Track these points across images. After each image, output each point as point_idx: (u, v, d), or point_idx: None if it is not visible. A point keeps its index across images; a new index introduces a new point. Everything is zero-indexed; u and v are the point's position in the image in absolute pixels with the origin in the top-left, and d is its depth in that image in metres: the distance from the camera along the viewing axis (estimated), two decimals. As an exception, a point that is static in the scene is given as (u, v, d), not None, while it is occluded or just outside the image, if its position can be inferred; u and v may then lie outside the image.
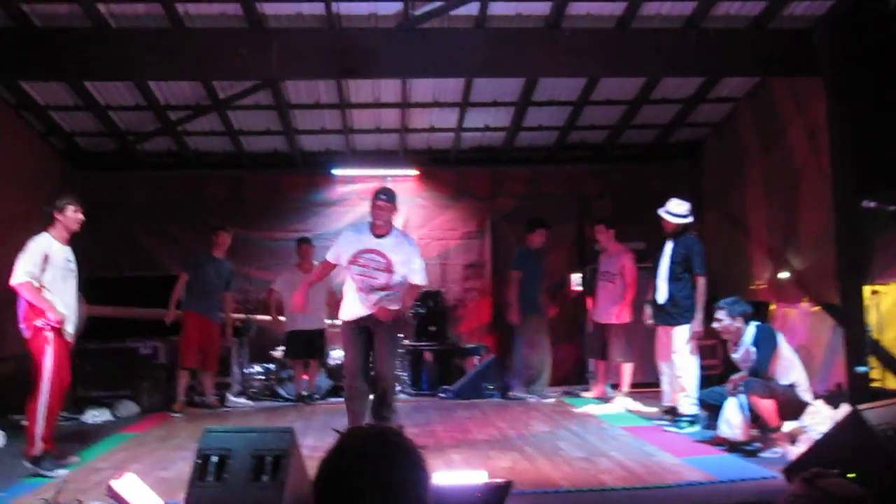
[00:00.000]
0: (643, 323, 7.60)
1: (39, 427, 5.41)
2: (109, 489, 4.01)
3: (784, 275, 8.47)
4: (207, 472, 3.84)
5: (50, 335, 5.46)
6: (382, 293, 5.73)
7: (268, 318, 9.16)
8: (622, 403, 7.80)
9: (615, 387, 8.46)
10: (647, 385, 8.44)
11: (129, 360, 8.08)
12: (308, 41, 7.07)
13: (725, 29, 7.35)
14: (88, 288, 7.88)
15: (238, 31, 7.06)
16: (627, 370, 8.21)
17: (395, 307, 5.81)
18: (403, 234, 6.12)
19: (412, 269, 5.77)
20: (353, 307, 5.83)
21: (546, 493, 4.60)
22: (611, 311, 8.33)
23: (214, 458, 3.86)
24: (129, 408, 8.03)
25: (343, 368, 6.37)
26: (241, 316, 9.33)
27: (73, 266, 5.74)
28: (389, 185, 6.45)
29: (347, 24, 7.14)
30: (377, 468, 1.42)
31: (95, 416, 7.85)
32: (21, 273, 5.44)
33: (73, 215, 5.71)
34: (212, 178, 10.27)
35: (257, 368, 9.34)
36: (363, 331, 5.85)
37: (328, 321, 8.75)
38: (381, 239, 5.73)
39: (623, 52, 7.34)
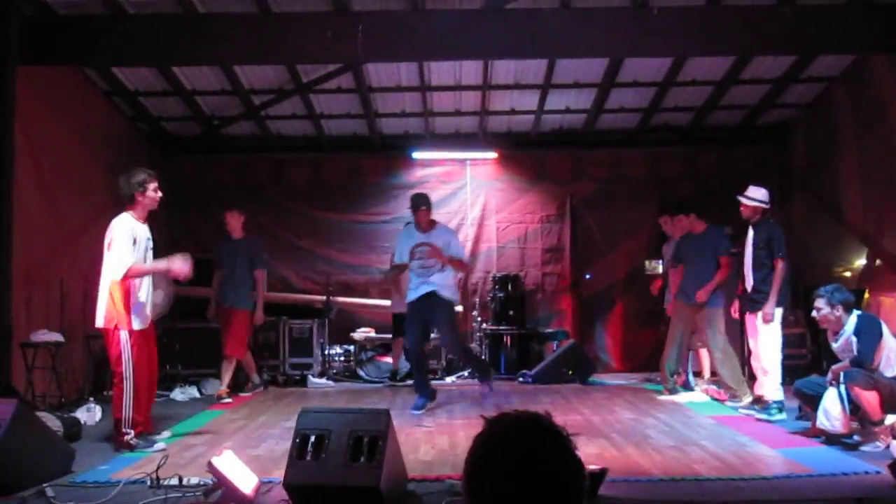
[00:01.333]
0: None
1: (126, 417, 5.41)
2: (210, 466, 4.11)
3: (879, 262, 8.13)
4: (306, 451, 3.89)
5: (125, 334, 5.40)
6: (436, 273, 6.97)
7: (381, 302, 9.21)
8: (706, 392, 7.64)
9: (697, 374, 8.31)
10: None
11: (215, 340, 8.25)
12: (393, 24, 7.05)
13: (822, 4, 7.04)
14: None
15: (324, 14, 7.10)
16: (706, 356, 8.05)
17: (447, 287, 7.06)
18: (442, 226, 7.60)
19: (452, 249, 7.09)
20: (414, 290, 7.04)
21: (639, 481, 4.51)
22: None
23: (313, 438, 3.90)
24: (215, 386, 8.21)
25: (406, 342, 7.49)
26: (322, 298, 9.46)
27: (152, 245, 5.69)
28: (420, 192, 7.81)
29: (432, 7, 7.12)
30: (534, 454, 1.36)
31: (183, 393, 8.10)
32: (122, 266, 5.34)
33: (153, 194, 5.61)
34: (293, 161, 10.40)
35: (337, 350, 9.46)
36: (422, 311, 6.94)
37: None
38: (426, 234, 7.13)
39: (713, 30, 7.09)
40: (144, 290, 5.59)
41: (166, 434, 5.92)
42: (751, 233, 6.73)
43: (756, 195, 6.72)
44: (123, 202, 5.64)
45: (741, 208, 6.77)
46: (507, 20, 6.98)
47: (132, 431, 5.46)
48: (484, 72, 8.59)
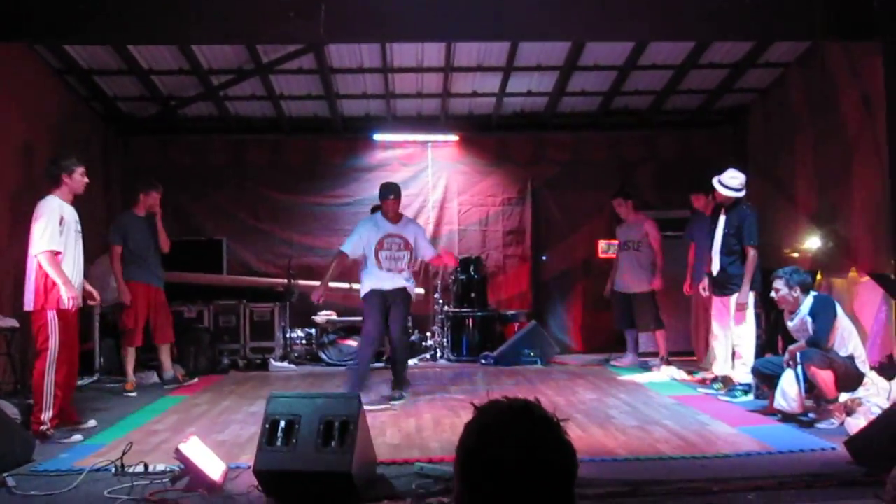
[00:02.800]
0: (687, 292, 7.69)
1: (46, 404, 5.31)
2: (178, 452, 4.06)
3: (831, 244, 8.33)
4: (276, 436, 3.86)
5: (53, 314, 5.37)
6: (405, 270, 6.87)
7: (342, 285, 9.14)
8: (667, 372, 7.79)
9: (651, 355, 8.60)
10: (679, 354, 8.49)
11: (174, 324, 8.11)
12: (356, 4, 6.95)
13: (779, -9, 7.14)
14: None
15: (286, -7, 6.97)
16: (661, 337, 8.27)
17: (412, 281, 7.05)
18: (409, 219, 7.46)
19: (420, 243, 7.03)
20: (383, 280, 6.80)
21: (604, 461, 4.59)
22: (636, 279, 8.36)
23: (283, 423, 3.88)
24: (174, 370, 8.10)
25: (363, 335, 7.05)
26: (283, 281, 9.39)
27: (79, 227, 5.71)
28: (391, 181, 7.46)
29: (395, -13, 7.03)
30: (528, 443, 1.37)
31: (142, 378, 7.95)
32: (44, 241, 5.35)
33: (80, 178, 5.68)
34: (252, 143, 10.26)
35: (299, 333, 9.41)
36: (386, 301, 6.75)
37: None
38: (396, 225, 6.95)
39: (674, 15, 7.11)
40: (69, 269, 5.51)
41: (78, 437, 5.47)
42: (723, 217, 6.78)
43: (732, 183, 6.68)
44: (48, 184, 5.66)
45: (715, 194, 6.82)
46: (470, 2, 6.94)
47: (48, 422, 5.31)
48: (446, 54, 8.55)
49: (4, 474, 4.29)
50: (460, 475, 1.41)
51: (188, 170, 10.01)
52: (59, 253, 5.42)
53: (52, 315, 5.38)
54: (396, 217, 7.00)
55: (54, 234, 5.39)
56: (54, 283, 5.37)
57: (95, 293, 6.05)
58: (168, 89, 9.25)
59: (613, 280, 8.76)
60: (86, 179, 5.73)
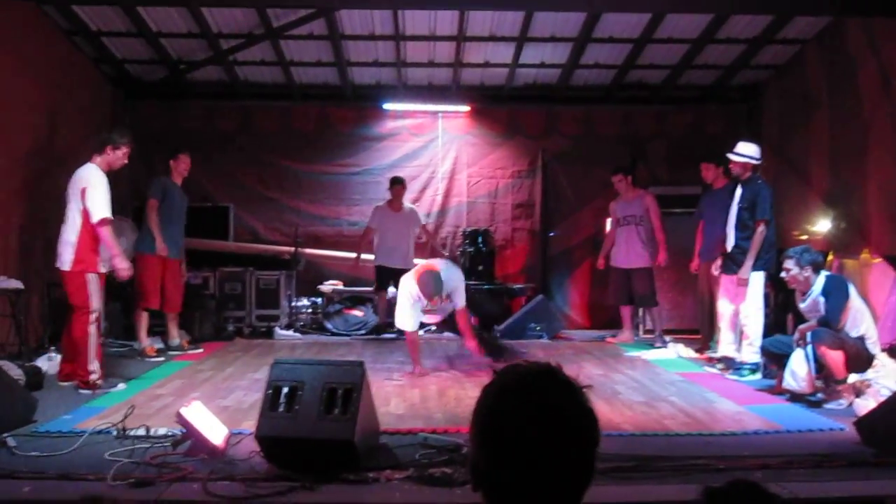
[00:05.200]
0: (693, 270, 7.66)
1: (92, 357, 5.68)
2: (179, 416, 4.03)
3: (844, 225, 8.23)
4: (279, 402, 3.82)
5: (94, 276, 5.71)
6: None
7: (350, 255, 9.14)
8: (674, 349, 7.74)
9: (651, 332, 8.65)
10: (684, 332, 8.43)
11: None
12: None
13: (801, -36, 7.00)
14: (140, 217, 7.94)
15: (297, -44, 6.86)
16: (657, 314, 8.23)
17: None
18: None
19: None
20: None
21: (610, 436, 4.53)
22: (637, 255, 8.28)
23: (286, 389, 3.84)
24: (181, 336, 8.08)
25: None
26: (290, 249, 9.34)
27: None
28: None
29: (408, -48, 6.91)
30: (549, 406, 1.31)
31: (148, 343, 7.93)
32: (105, 209, 5.66)
33: (121, 157, 5.93)
34: (261, 109, 10.16)
35: (305, 302, 9.38)
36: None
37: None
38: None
39: (694, -13, 7.03)
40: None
41: (122, 386, 5.91)
42: (738, 190, 6.66)
43: (746, 151, 6.58)
44: (90, 149, 5.92)
45: (730, 165, 6.69)
46: (485, -31, 6.83)
47: (98, 371, 5.70)
48: (459, 22, 8.41)
49: (5, 434, 4.27)
50: (477, 439, 1.36)
51: (196, 135, 9.90)
52: (112, 221, 5.76)
53: (93, 277, 5.71)
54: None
55: (109, 203, 5.72)
56: (95, 248, 5.72)
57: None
58: (177, 53, 9.16)
59: (608, 254, 8.65)
60: (125, 161, 5.99)
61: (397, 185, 8.97)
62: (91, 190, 5.65)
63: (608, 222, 9.93)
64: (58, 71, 8.20)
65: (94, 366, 5.69)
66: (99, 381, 5.70)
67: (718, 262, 6.89)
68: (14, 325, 6.78)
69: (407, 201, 9.48)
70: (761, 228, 6.44)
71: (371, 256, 8.99)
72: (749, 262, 6.40)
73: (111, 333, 8.24)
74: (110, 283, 8.27)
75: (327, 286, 9.27)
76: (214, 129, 10.07)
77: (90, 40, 8.67)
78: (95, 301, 5.72)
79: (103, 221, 5.66)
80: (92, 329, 5.69)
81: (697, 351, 7.68)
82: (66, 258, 5.69)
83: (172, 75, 9.53)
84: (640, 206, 8.37)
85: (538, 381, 1.35)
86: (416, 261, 8.90)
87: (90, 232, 5.66)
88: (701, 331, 7.94)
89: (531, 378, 1.36)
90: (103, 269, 5.84)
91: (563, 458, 1.30)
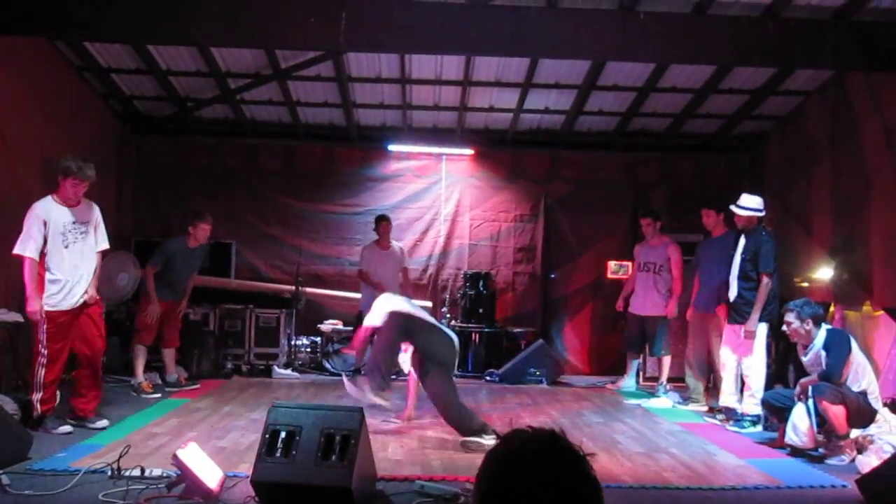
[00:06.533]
0: (689, 318, 7.67)
1: (37, 387, 5.53)
2: (175, 458, 4.00)
3: (846, 276, 8.22)
4: (276, 447, 3.79)
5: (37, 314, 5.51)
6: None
7: (351, 295, 9.17)
8: (671, 398, 7.68)
9: (653, 379, 8.55)
10: (679, 380, 8.34)
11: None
12: (377, 13, 6.92)
13: (805, 19, 7.07)
14: (143, 252, 7.96)
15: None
16: (667, 363, 8.15)
17: None
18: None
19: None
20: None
21: (609, 487, 4.49)
22: (652, 303, 8.24)
23: (283, 434, 3.81)
24: (179, 372, 8.04)
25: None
26: (291, 288, 9.34)
27: (82, 228, 5.70)
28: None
29: (418, -2, 7.00)
30: (552, 474, 1.30)
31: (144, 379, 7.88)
32: (19, 244, 5.45)
33: (69, 186, 5.59)
34: (266, 148, 10.22)
35: (304, 341, 9.34)
36: None
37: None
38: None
39: (698, 39, 7.07)
40: (62, 271, 5.58)
41: (103, 423, 5.80)
42: (742, 241, 6.67)
43: (750, 203, 6.64)
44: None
45: (735, 218, 6.73)
46: (492, 16, 6.88)
47: (40, 407, 5.52)
48: (465, 67, 8.51)
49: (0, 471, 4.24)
50: (478, 502, 1.34)
51: (200, 171, 9.99)
52: (30, 259, 5.45)
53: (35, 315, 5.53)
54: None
55: (31, 239, 5.46)
56: (37, 287, 5.49)
57: (94, 295, 5.88)
58: (185, 90, 9.25)
59: (626, 297, 8.62)
60: (76, 189, 5.61)
61: (384, 221, 8.94)
62: (25, 223, 5.53)
63: (610, 266, 9.97)
64: (67, 105, 8.29)
65: (36, 396, 5.55)
66: (40, 413, 5.54)
67: (691, 309, 7.01)
68: (12, 359, 6.74)
69: (405, 242, 9.48)
70: (766, 281, 6.44)
71: (359, 295, 8.97)
72: (755, 315, 6.40)
73: (110, 369, 8.20)
74: (108, 318, 8.36)
75: (327, 325, 9.24)
76: (220, 165, 10.11)
77: (99, 76, 8.76)
78: (40, 339, 5.52)
79: (17, 256, 5.48)
80: (34, 368, 5.55)
81: (687, 400, 7.60)
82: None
83: (180, 112, 9.62)
84: (663, 254, 8.26)
85: (542, 447, 1.34)
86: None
87: (28, 266, 5.47)
88: (687, 381, 7.75)
89: (535, 445, 1.35)
90: (50, 307, 5.53)
91: None
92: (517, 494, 1.29)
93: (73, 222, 5.65)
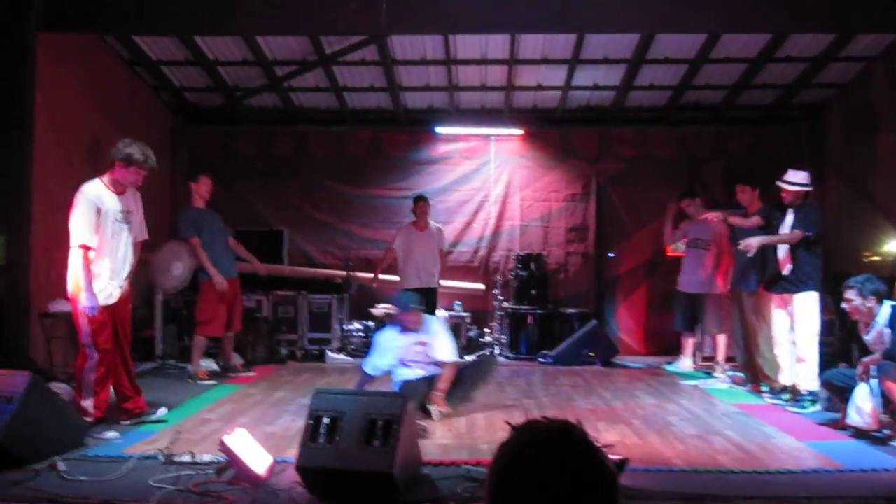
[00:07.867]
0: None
1: (87, 393, 5.20)
2: (222, 444, 4.04)
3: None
4: (319, 433, 3.80)
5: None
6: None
7: (369, 276, 9.13)
8: (728, 378, 7.48)
9: (709, 359, 8.27)
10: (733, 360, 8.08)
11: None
12: (418, -6, 6.88)
13: (866, -19, 6.76)
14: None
15: (348, -16, 6.92)
16: (722, 342, 7.92)
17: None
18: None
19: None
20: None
21: (660, 471, 4.39)
22: (700, 280, 8.03)
23: (326, 420, 3.81)
24: (234, 359, 8.16)
25: None
26: (343, 273, 9.39)
27: (129, 218, 5.38)
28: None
29: (459, -23, 6.91)
30: (565, 467, 1.25)
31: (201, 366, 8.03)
32: (76, 234, 5.10)
33: (133, 176, 5.30)
34: (315, 134, 10.27)
35: (357, 326, 9.39)
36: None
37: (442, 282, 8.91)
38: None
39: (750, 6, 6.84)
40: (114, 262, 5.28)
41: (162, 411, 5.66)
42: (790, 216, 6.47)
43: (796, 179, 6.47)
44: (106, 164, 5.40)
45: (782, 193, 6.51)
46: (536, -8, 6.78)
47: (91, 407, 5.19)
48: (511, 46, 8.38)
49: (56, 458, 4.35)
50: (490, 495, 1.30)
51: (251, 160, 10.11)
52: (89, 249, 5.14)
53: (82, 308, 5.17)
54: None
55: (89, 225, 5.12)
56: (85, 279, 5.13)
57: (128, 287, 5.54)
58: (233, 80, 9.35)
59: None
60: (136, 177, 5.33)
61: (421, 201, 8.80)
62: (73, 211, 5.16)
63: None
64: (119, 99, 8.46)
65: (88, 403, 5.20)
66: (90, 419, 5.15)
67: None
68: (72, 348, 6.93)
69: (455, 224, 9.39)
70: (798, 234, 6.29)
71: (395, 277, 8.87)
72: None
73: (167, 356, 8.39)
74: (166, 307, 8.54)
75: (379, 309, 9.27)
76: (270, 154, 10.22)
77: (150, 69, 8.91)
78: (85, 334, 5.16)
79: (76, 246, 5.13)
80: (84, 365, 5.19)
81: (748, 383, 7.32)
82: (68, 282, 5.23)
83: (229, 102, 9.72)
84: (711, 229, 8.00)
85: (554, 440, 1.29)
86: (443, 282, 8.87)
87: (79, 257, 5.14)
88: (737, 360, 7.49)
89: (548, 436, 1.30)
90: (99, 301, 5.17)
91: None
92: (528, 487, 1.25)
93: (121, 210, 5.33)
